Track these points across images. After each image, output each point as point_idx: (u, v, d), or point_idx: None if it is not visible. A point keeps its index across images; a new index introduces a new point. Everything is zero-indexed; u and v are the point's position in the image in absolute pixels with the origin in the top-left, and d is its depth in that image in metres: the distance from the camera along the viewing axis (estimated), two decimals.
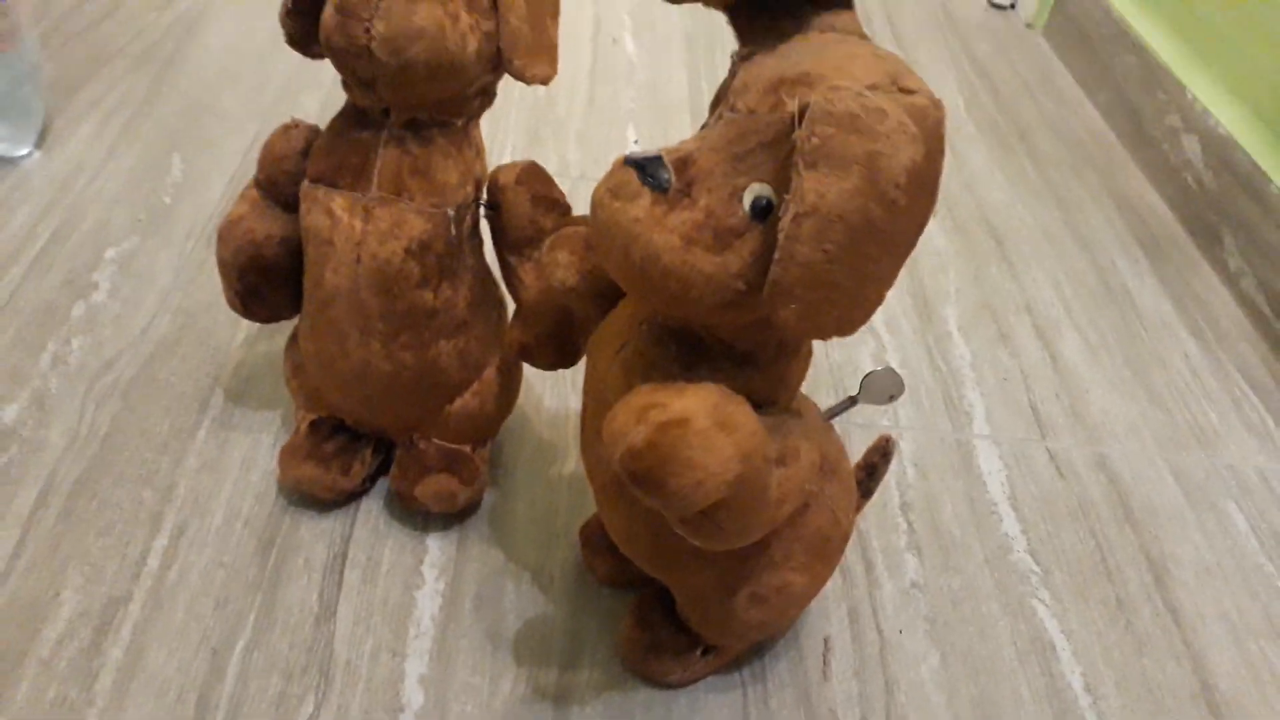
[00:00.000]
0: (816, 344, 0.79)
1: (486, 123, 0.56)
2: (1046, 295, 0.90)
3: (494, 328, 0.60)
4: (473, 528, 0.62)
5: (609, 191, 0.39)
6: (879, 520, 0.67)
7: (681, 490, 0.37)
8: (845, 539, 0.53)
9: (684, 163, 0.39)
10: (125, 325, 0.71)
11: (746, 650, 0.58)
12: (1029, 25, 1.38)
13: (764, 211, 0.37)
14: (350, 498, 0.62)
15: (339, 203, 0.53)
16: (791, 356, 0.45)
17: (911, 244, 0.38)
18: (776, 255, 0.36)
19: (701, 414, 0.38)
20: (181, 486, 0.62)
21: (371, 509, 0.62)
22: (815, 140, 0.34)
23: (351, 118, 0.54)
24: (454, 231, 0.54)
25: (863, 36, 0.41)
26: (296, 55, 0.53)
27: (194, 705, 0.52)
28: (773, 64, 0.38)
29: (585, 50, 1.15)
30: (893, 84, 0.36)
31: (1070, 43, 1.29)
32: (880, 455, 0.60)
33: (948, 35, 1.32)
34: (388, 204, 0.52)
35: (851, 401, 0.55)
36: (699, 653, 0.54)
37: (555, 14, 0.54)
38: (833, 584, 0.63)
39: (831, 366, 0.79)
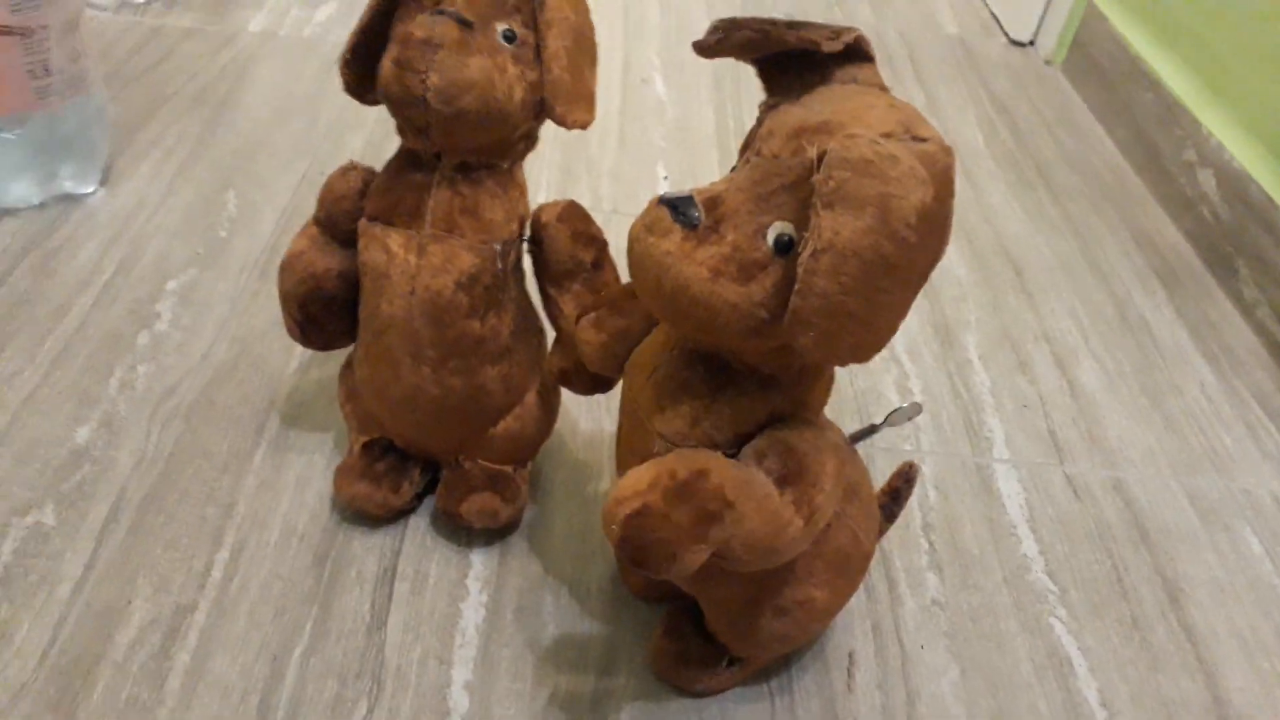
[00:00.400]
0: (841, 371, 0.83)
1: (525, 160, 0.60)
2: (1064, 325, 0.93)
3: (535, 354, 0.64)
4: (514, 543, 0.66)
5: (645, 228, 0.43)
6: (902, 540, 0.70)
7: (666, 566, 0.42)
8: (866, 558, 0.56)
9: (713, 202, 0.43)
10: (186, 352, 0.76)
11: (773, 663, 0.60)
12: (1048, 62, 1.42)
13: (786, 247, 0.41)
14: (399, 515, 0.66)
15: (395, 239, 0.57)
16: (813, 380, 0.48)
17: (923, 278, 0.41)
18: (796, 287, 0.39)
19: (656, 495, 0.42)
20: (241, 504, 0.66)
21: (419, 526, 0.66)
22: (832, 183, 0.38)
23: (406, 161, 0.58)
24: (500, 265, 0.58)
25: (882, 88, 0.45)
26: (342, 96, 0.57)
27: (256, 707, 0.55)
28: (796, 113, 0.42)
29: (616, 90, 1.19)
30: (906, 132, 0.40)
31: (1088, 79, 1.32)
32: (904, 480, 0.63)
33: (967, 73, 1.36)
34: (440, 240, 0.57)
35: (874, 428, 0.58)
36: (725, 664, 0.57)
37: (593, 64, 0.58)
38: (857, 600, 0.66)
39: (856, 394, 0.83)
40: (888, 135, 0.40)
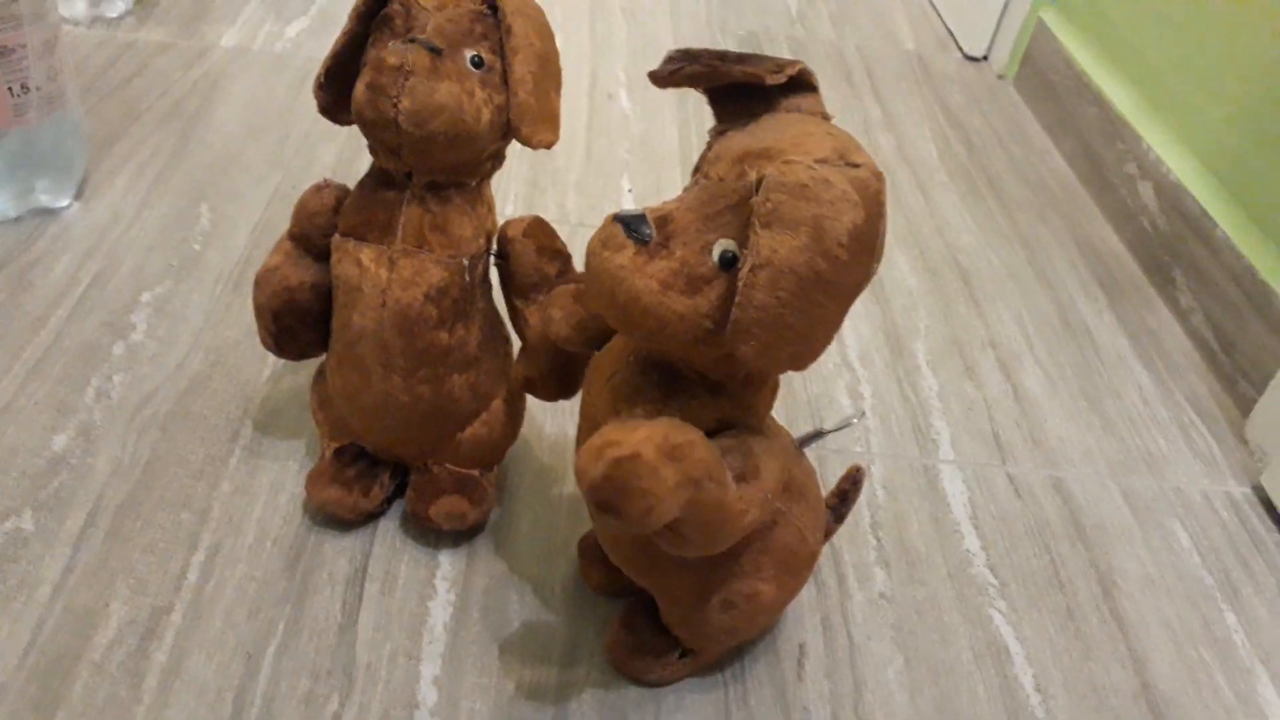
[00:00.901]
0: (795, 376, 0.87)
1: (493, 176, 0.63)
2: (1010, 331, 0.97)
3: (501, 363, 0.67)
4: (481, 544, 0.69)
5: (600, 243, 0.47)
6: (851, 537, 0.74)
7: (636, 514, 0.44)
8: (812, 556, 0.59)
9: (664, 220, 0.46)
10: (161, 362, 0.78)
11: (726, 655, 0.64)
12: (1000, 76, 1.47)
13: (730, 263, 0.44)
14: (370, 518, 0.69)
15: (367, 254, 0.60)
16: (759, 387, 0.52)
17: (855, 293, 0.45)
18: (736, 299, 0.43)
19: (650, 448, 0.44)
20: (216, 509, 0.68)
21: (389, 529, 0.69)
22: (770, 204, 0.41)
23: (378, 179, 0.61)
24: (468, 279, 0.61)
25: (824, 116, 0.49)
26: (314, 110, 0.59)
27: (231, 703, 0.58)
28: (741, 140, 0.45)
29: (583, 105, 1.23)
30: (840, 159, 0.43)
31: (1038, 94, 1.37)
32: (851, 483, 0.67)
33: (923, 87, 1.41)
34: (410, 255, 0.59)
35: (821, 433, 0.62)
36: (677, 655, 0.60)
37: (558, 87, 0.62)
38: (808, 594, 0.69)
39: (810, 399, 0.86)
40: (823, 161, 0.43)
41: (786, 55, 0.49)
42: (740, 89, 0.48)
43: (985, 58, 1.51)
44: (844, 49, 1.48)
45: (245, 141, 1.05)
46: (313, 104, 0.60)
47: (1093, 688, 0.66)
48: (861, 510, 0.76)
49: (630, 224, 0.46)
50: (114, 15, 1.22)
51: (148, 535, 0.66)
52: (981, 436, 0.85)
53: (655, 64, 0.50)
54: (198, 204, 0.95)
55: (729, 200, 0.44)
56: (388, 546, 0.68)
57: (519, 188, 1.05)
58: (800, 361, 0.45)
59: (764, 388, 0.52)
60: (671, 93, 1.27)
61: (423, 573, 0.66)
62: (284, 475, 0.71)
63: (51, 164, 0.89)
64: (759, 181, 0.43)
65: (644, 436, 0.45)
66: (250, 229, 0.93)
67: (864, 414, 0.62)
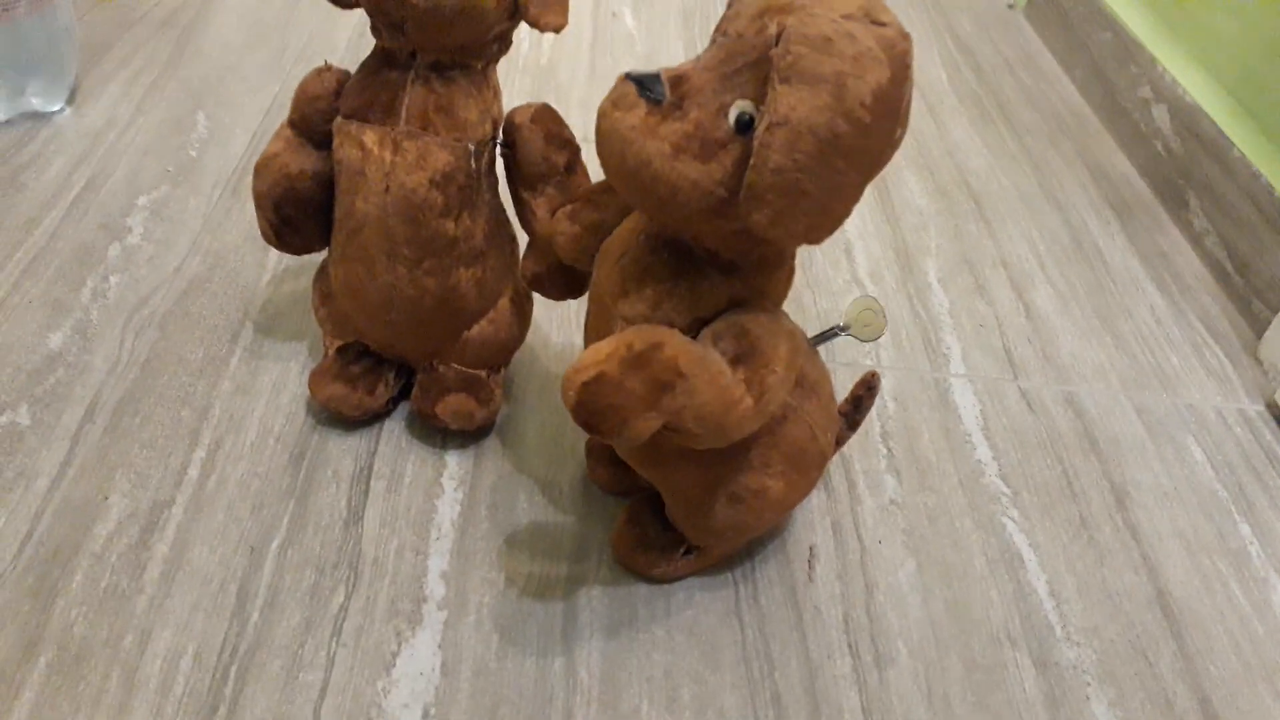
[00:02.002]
0: (803, 291, 0.85)
1: (499, 69, 0.61)
2: (1021, 251, 0.95)
3: (508, 260, 0.65)
4: (488, 446, 0.67)
5: (611, 102, 0.45)
6: (861, 446, 0.73)
7: (616, 430, 0.43)
8: (822, 455, 0.58)
9: (679, 80, 0.44)
10: (159, 265, 0.76)
11: (735, 554, 0.63)
12: (1010, 6, 1.44)
13: (746, 126, 0.42)
14: (375, 418, 0.67)
15: (370, 136, 0.58)
16: (773, 269, 0.50)
17: (877, 162, 0.43)
18: (751, 162, 0.41)
19: (614, 364, 0.43)
20: (217, 407, 0.67)
21: (394, 429, 0.67)
22: (789, 58, 0.39)
23: (381, 59, 0.59)
24: (474, 165, 0.59)
25: None
26: (312, 21, 0.57)
27: (235, 595, 0.57)
28: None
29: (587, 23, 1.20)
30: (866, 16, 0.42)
31: (1049, 22, 1.35)
32: (866, 389, 0.65)
33: (932, 14, 1.38)
34: (415, 137, 0.57)
35: (835, 331, 0.60)
36: (682, 551, 0.59)
37: None
38: (817, 498, 0.68)
39: (820, 314, 0.85)
40: (848, 16, 0.41)
41: None
42: None
43: None
44: None
45: (243, 52, 1.02)
46: (312, 16, 0.57)
47: (1106, 593, 0.66)
48: (872, 421, 0.75)
49: (643, 83, 0.44)
50: None
51: (147, 431, 0.64)
52: (993, 352, 0.83)
53: None
54: (194, 112, 0.93)
55: (747, 57, 0.42)
56: (393, 446, 0.66)
57: (521, 99, 1.02)
58: (817, 233, 0.43)
59: (778, 270, 0.51)
60: (676, 13, 1.24)
61: (429, 471, 0.65)
62: (286, 376, 0.70)
63: (42, 66, 0.86)
64: (779, 34, 0.41)
65: (608, 353, 0.44)
66: (249, 137, 0.90)
67: (884, 322, 0.60)
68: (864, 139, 0.41)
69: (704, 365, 0.46)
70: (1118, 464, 0.75)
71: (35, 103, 0.87)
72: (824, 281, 0.88)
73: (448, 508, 0.63)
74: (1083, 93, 1.24)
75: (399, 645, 0.56)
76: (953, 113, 1.16)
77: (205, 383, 0.68)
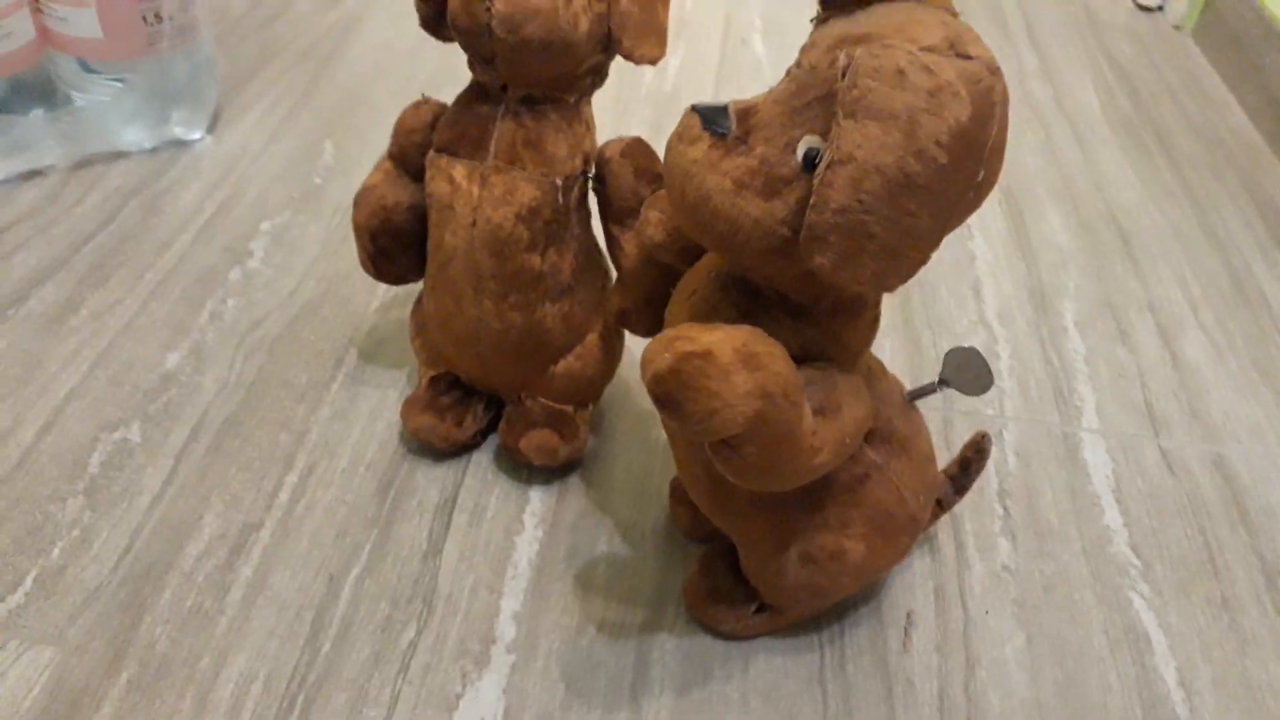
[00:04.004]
0: (923, 329, 0.80)
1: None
2: (1172, 294, 0.87)
3: (598, 296, 0.63)
4: (572, 484, 0.66)
5: (676, 135, 0.43)
6: (974, 504, 0.68)
7: (696, 415, 0.40)
8: (913, 521, 0.53)
9: (746, 113, 0.42)
10: (275, 288, 0.79)
11: (824, 616, 0.59)
12: (1177, 27, 1.34)
13: (814, 163, 0.39)
14: (463, 449, 0.67)
15: (459, 170, 0.58)
16: (849, 316, 0.46)
17: (955, 206, 0.39)
18: (812, 200, 0.38)
19: (726, 349, 0.40)
20: (314, 432, 0.68)
21: (482, 461, 0.67)
22: (855, 92, 0.36)
23: (474, 94, 0.59)
24: (561, 200, 0.58)
25: (951, 12, 0.43)
26: (441, 52, 0.58)
27: (310, 623, 0.57)
28: (841, 26, 0.40)
29: (714, 50, 1.18)
30: (950, 48, 0.38)
31: (1220, 44, 1.24)
32: (975, 451, 0.61)
33: (1087, 37, 1.29)
34: (502, 172, 0.57)
35: (936, 385, 0.56)
36: (754, 608, 0.56)
37: (666, 0, 0.58)
38: (920, 561, 0.63)
39: (939, 355, 0.80)
40: (929, 49, 0.38)
41: None
42: None
43: (1160, 8, 1.38)
44: None
45: (373, 81, 1.05)
46: (441, 46, 0.58)
47: (1247, 686, 0.58)
48: (989, 476, 0.70)
49: (708, 115, 0.42)
50: None
51: (246, 453, 0.66)
52: (1132, 405, 0.76)
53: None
54: (323, 140, 0.96)
55: (818, 91, 0.40)
56: (479, 479, 0.66)
57: (640, 130, 1.01)
58: (886, 281, 0.40)
59: (856, 318, 0.47)
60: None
61: (512, 507, 0.64)
62: (383, 403, 0.70)
63: (185, 97, 0.90)
64: (846, 66, 0.38)
65: (721, 337, 0.41)
66: (370, 164, 0.92)
67: (991, 377, 0.55)
68: (939, 181, 0.38)
69: (802, 398, 0.43)
70: (1270, 538, 0.67)
71: (178, 131, 0.92)
72: (947, 321, 0.83)
73: (526, 546, 0.62)
74: (1254, 121, 1.14)
75: (464, 687, 0.55)
76: (1103, 142, 1.08)
77: (305, 407, 0.69)
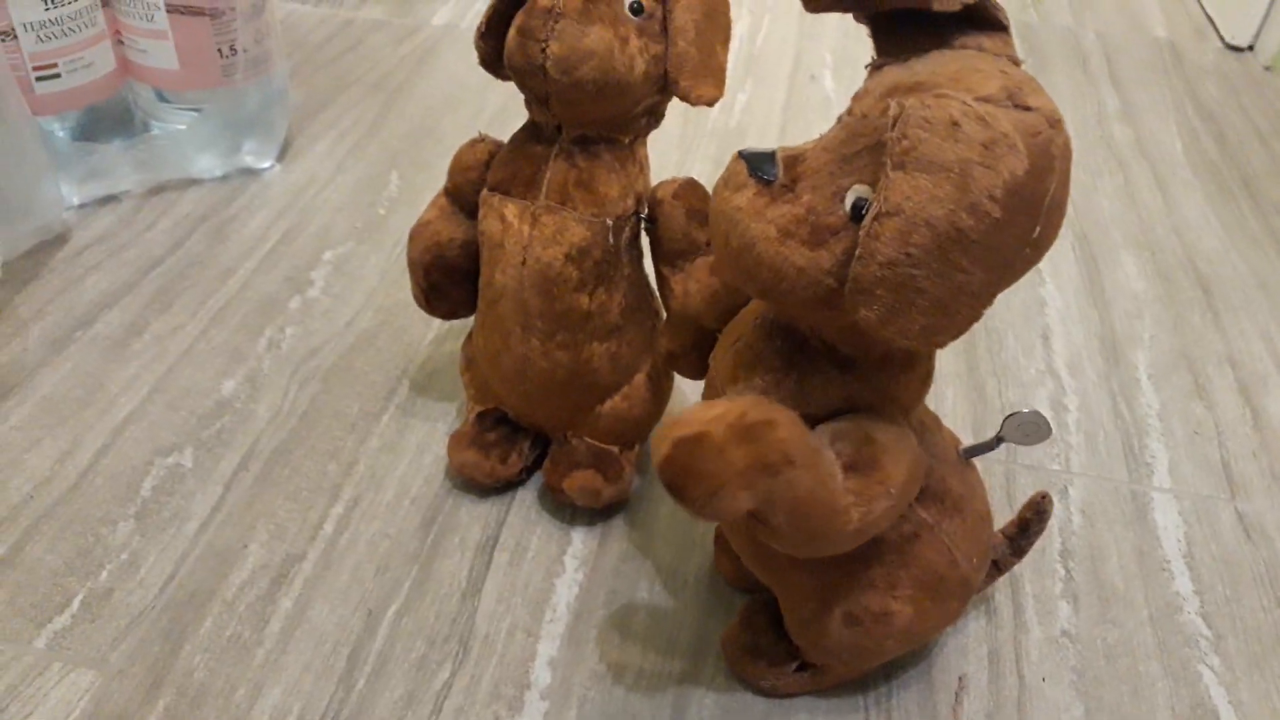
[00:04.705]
0: (988, 379, 0.78)
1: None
2: (1255, 348, 0.83)
3: (647, 336, 0.62)
4: (616, 526, 0.65)
5: (722, 181, 0.42)
6: (1035, 565, 0.65)
7: (699, 499, 0.39)
8: (964, 583, 0.51)
9: (794, 160, 0.40)
10: (333, 318, 0.79)
11: (867, 676, 0.57)
12: (1267, 68, 1.29)
13: (863, 213, 0.38)
14: (508, 487, 0.66)
15: (511, 209, 0.57)
16: (899, 369, 0.45)
17: (1010, 263, 0.37)
18: (858, 253, 0.37)
19: (720, 427, 0.39)
20: (362, 463, 0.68)
21: (526, 499, 0.66)
22: (905, 143, 0.35)
23: (529, 133, 0.59)
24: (611, 241, 0.58)
25: (1013, 60, 0.41)
26: (509, 89, 0.57)
27: (345, 658, 0.57)
28: (896, 73, 0.39)
29: (782, 86, 1.17)
30: (1008, 98, 0.36)
31: None
32: (1035, 513, 0.58)
33: (1172, 77, 1.25)
34: (553, 212, 0.56)
35: (996, 442, 0.53)
36: (795, 666, 0.54)
37: (726, 41, 0.57)
38: (974, 624, 0.61)
39: (1004, 406, 0.77)
40: (985, 99, 0.36)
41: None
42: (909, 19, 0.41)
43: (1250, 47, 1.33)
44: (1081, 35, 1.34)
45: (442, 113, 1.07)
46: (486, 71, 0.58)
47: None
48: (1051, 535, 0.67)
49: (754, 161, 0.41)
50: None
51: (294, 483, 0.66)
52: (1208, 465, 0.73)
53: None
54: (389, 171, 0.97)
55: (869, 140, 0.38)
56: (523, 517, 0.65)
57: (704, 166, 1.01)
58: (936, 337, 0.38)
59: (907, 372, 0.45)
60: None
61: (554, 548, 0.63)
62: (432, 436, 0.70)
63: (257, 126, 0.93)
64: (897, 116, 0.36)
65: (716, 415, 0.40)
66: (434, 197, 0.93)
67: (1047, 429, 0.52)
68: (992, 236, 0.36)
69: (816, 460, 0.42)
70: None
71: (249, 160, 0.94)
72: (1013, 370, 0.80)
73: (566, 589, 0.61)
74: None
75: None
76: (1185, 186, 1.04)
77: (355, 438, 0.70)
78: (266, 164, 0.95)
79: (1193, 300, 0.89)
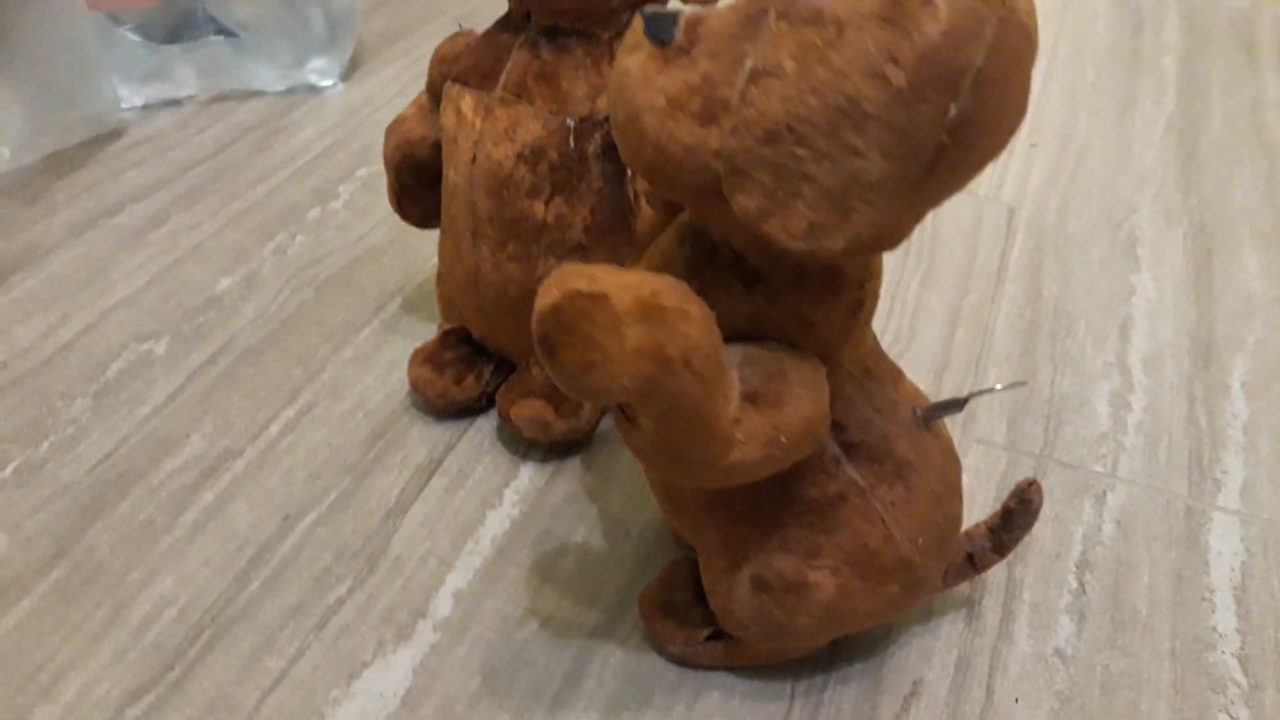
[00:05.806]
0: (1044, 368, 0.68)
1: None
2: None
3: (620, 262, 0.57)
4: (570, 466, 0.60)
5: (623, 43, 0.36)
6: (1041, 570, 0.55)
7: (571, 365, 0.32)
8: (905, 568, 0.43)
9: (696, 21, 0.34)
10: (346, 231, 0.77)
11: (803, 662, 0.49)
12: None
13: None
14: (467, 413, 0.62)
15: (467, 101, 0.53)
16: (816, 292, 0.37)
17: (919, 149, 0.30)
18: (731, 124, 0.30)
19: (627, 297, 0.32)
20: (329, 371, 0.65)
21: (484, 428, 0.62)
22: None
23: (502, 23, 0.54)
24: (573, 144, 0.52)
25: None
26: None
27: (248, 559, 0.54)
28: None
29: None
30: None
31: None
32: (1019, 501, 0.49)
33: None
34: (507, 105, 0.52)
35: (960, 402, 0.45)
36: (706, 634, 0.47)
37: None
38: (949, 626, 0.52)
39: (1054, 396, 0.67)
40: None
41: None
42: None
43: None
44: (1256, 19, 1.18)
45: None
46: None
47: None
48: (1070, 541, 0.57)
49: (653, 22, 0.34)
50: None
51: (255, 382, 0.64)
52: None
53: None
54: None
55: None
56: (475, 445, 0.61)
57: None
58: (827, 239, 0.31)
59: (829, 298, 0.38)
60: None
61: (497, 480, 0.59)
62: (407, 354, 0.66)
63: (323, 44, 0.92)
64: None
65: (626, 283, 0.33)
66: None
67: (1024, 382, 0.44)
68: (894, 112, 0.29)
69: (718, 375, 0.35)
70: None
71: (312, 77, 0.93)
72: (1075, 359, 0.69)
73: (497, 522, 0.56)
74: None
75: (374, 657, 0.49)
76: None
77: (330, 346, 0.67)
78: (329, 82, 0.94)
79: None
